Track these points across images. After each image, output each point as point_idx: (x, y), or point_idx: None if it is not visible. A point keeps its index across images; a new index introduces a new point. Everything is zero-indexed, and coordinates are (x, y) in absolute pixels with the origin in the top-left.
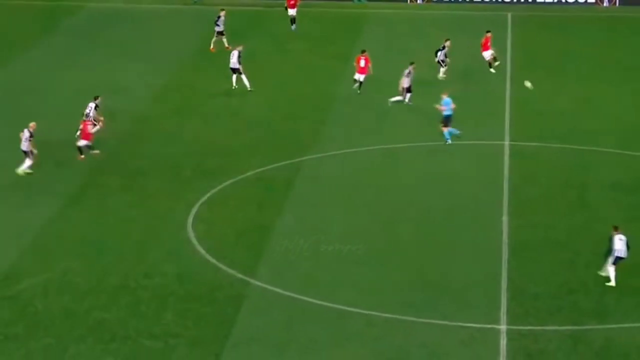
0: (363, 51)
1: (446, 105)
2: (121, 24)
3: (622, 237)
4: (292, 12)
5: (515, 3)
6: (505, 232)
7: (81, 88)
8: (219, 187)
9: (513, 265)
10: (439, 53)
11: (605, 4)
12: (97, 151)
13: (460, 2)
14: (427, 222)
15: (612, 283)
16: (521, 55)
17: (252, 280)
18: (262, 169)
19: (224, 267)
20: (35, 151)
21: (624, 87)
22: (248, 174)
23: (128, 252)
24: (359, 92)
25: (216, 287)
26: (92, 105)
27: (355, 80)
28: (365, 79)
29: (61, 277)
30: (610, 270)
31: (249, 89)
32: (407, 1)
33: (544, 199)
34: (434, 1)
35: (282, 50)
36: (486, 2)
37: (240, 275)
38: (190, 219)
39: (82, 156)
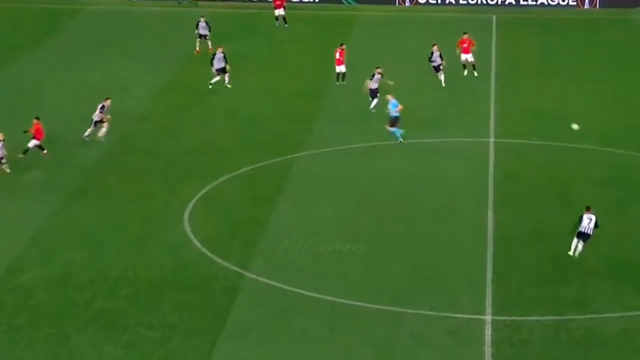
0: (341, 44)
1: (393, 108)
2: (120, 26)
3: (592, 216)
4: (279, 12)
5: (500, 5)
6: (490, 226)
7: (82, 88)
8: (215, 183)
9: (497, 258)
10: (433, 60)
11: (586, 6)
12: (45, 151)
13: (447, 4)
14: (414, 217)
15: (571, 252)
16: (505, 55)
17: (246, 273)
18: (256, 165)
19: (219, 260)
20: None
21: (604, 86)
22: (242, 170)
23: (127, 245)
24: (342, 82)
25: (212, 279)
26: (99, 105)
27: (337, 75)
28: (345, 69)
29: (63, 270)
30: (573, 242)
31: (210, 84)
32: (395, 3)
33: (527, 194)
34: (421, 3)
35: (275, 51)
36: (472, 4)
37: (234, 268)
38: (186, 214)
39: (21, 156)
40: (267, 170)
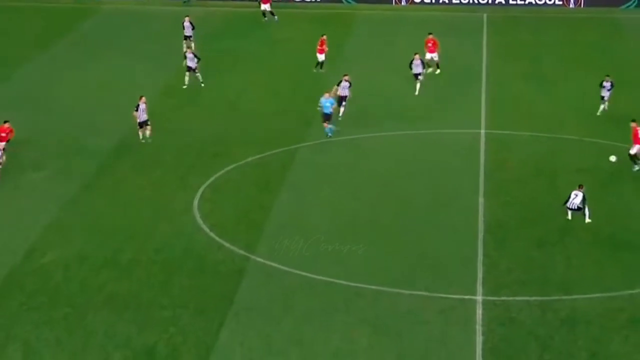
0: (322, 35)
1: (330, 104)
2: (131, 25)
3: (579, 193)
4: (264, 7)
5: (490, 4)
6: (481, 212)
7: (91, 86)
8: (221, 172)
9: (488, 242)
10: (415, 67)
11: (571, 6)
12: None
13: (440, 3)
14: (410, 203)
15: (568, 217)
16: (495, 52)
17: (252, 256)
18: (261, 155)
19: (226, 244)
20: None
21: (587, 81)
22: (248, 159)
23: (139, 230)
24: (321, 70)
25: (219, 262)
26: (142, 106)
27: (317, 63)
28: (324, 57)
29: (79, 253)
30: (568, 212)
31: (202, 83)
32: (392, 2)
33: (516, 182)
34: (416, 3)
35: (277, 48)
36: (464, 3)
37: (241, 251)
38: (195, 201)
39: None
40: (271, 160)
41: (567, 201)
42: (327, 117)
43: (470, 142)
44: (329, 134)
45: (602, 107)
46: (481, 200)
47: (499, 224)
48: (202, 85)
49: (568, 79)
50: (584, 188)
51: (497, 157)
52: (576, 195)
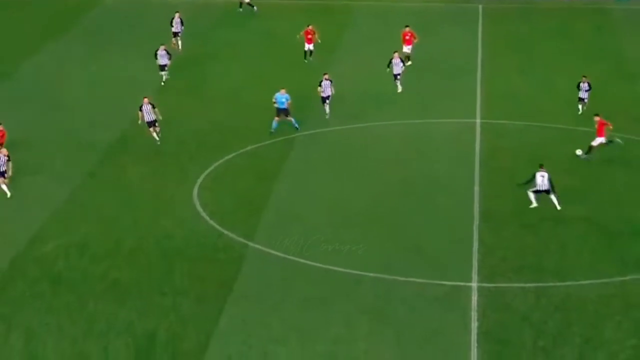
0: (308, 25)
1: (285, 100)
2: (132, 18)
3: (544, 174)
4: None
5: None
6: (477, 200)
7: (97, 80)
8: (221, 160)
9: (483, 230)
10: (395, 67)
11: None
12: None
13: None
14: (407, 192)
15: (534, 205)
16: (491, 42)
17: (251, 244)
18: (259, 144)
19: (226, 232)
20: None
21: (580, 71)
22: (247, 148)
23: (141, 219)
24: (310, 59)
25: (219, 249)
26: (147, 107)
27: (305, 52)
28: (314, 47)
29: (82, 242)
30: (531, 196)
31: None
32: None
33: (510, 170)
34: None
35: (274, 40)
36: None
37: (240, 239)
38: (195, 189)
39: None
40: (269, 150)
41: (530, 182)
42: (280, 112)
43: (465, 131)
44: (273, 128)
45: (580, 107)
46: (476, 188)
47: (494, 212)
48: (164, 82)
49: (562, 69)
50: (544, 167)
51: (492, 146)
52: (543, 177)
